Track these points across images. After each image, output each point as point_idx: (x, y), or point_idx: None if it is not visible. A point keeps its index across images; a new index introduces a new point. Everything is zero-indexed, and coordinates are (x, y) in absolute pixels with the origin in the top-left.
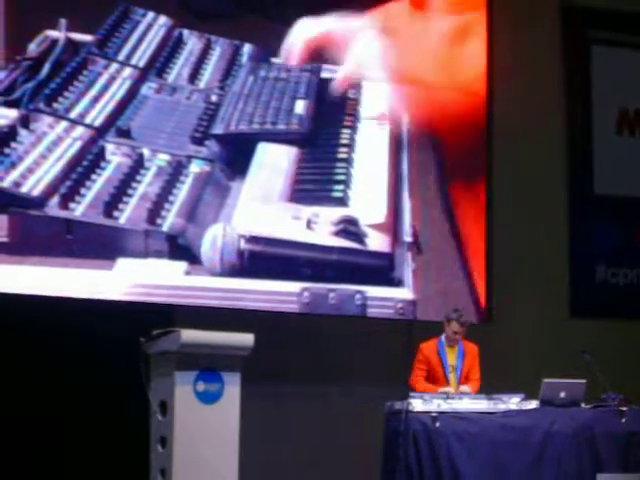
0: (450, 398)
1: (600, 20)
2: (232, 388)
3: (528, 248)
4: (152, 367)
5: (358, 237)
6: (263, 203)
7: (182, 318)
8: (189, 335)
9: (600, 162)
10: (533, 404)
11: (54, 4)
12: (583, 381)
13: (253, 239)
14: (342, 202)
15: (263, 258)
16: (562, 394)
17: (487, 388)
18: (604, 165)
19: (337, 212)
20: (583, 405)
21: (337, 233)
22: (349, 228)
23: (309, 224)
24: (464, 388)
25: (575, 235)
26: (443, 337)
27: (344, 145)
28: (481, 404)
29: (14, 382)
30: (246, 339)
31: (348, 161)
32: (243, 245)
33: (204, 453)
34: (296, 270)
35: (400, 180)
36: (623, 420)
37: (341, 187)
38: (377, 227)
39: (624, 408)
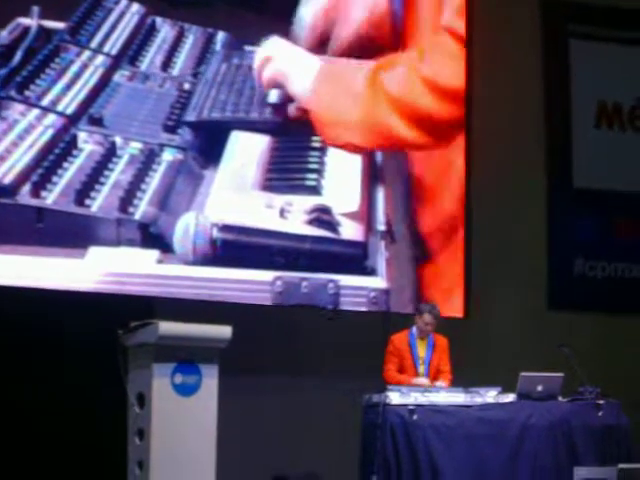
0: (427, 391)
1: (579, 14)
2: (210, 380)
3: (506, 241)
4: (130, 359)
5: (331, 226)
6: (236, 192)
7: (159, 310)
8: (167, 327)
9: (579, 156)
10: (510, 397)
11: None
12: (560, 375)
13: (226, 228)
14: (315, 191)
15: (236, 247)
16: (539, 387)
17: (465, 381)
18: (583, 159)
19: (310, 201)
20: (560, 398)
21: (310, 222)
22: (322, 217)
23: (282, 213)
24: (439, 384)
25: (554, 228)
26: (414, 329)
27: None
28: (458, 397)
29: None
30: (223, 331)
31: (322, 150)
32: (215, 234)
33: (182, 445)
34: (269, 259)
35: (374, 168)
36: (600, 413)
37: (314, 176)
38: (350, 216)
39: (601, 402)
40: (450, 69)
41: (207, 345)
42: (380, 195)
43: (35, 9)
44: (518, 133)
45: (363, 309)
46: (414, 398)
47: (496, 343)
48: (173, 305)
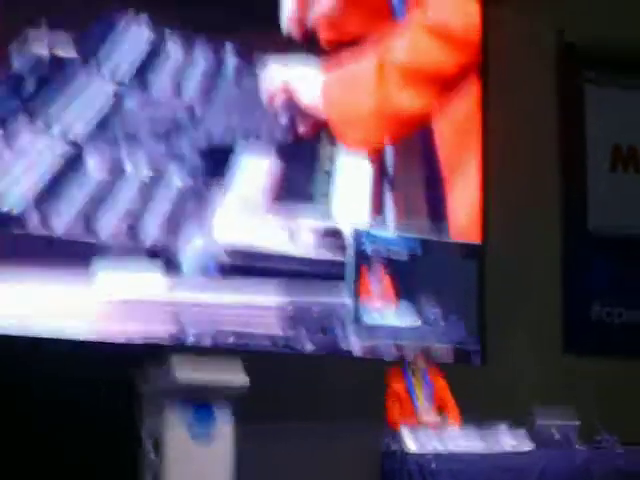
0: (445, 437)
1: (593, 59)
2: (225, 426)
3: (522, 284)
4: (145, 405)
5: (342, 249)
6: (245, 215)
7: (175, 352)
8: (183, 373)
9: (594, 199)
10: (528, 446)
11: (36, 5)
12: (576, 423)
13: (234, 252)
14: (325, 213)
15: (245, 271)
16: (556, 435)
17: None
18: (598, 202)
19: (320, 224)
20: (577, 446)
21: (320, 245)
22: (332, 240)
23: (292, 236)
24: (450, 423)
25: (569, 273)
26: (410, 373)
27: (327, 157)
28: (476, 445)
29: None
30: (240, 379)
31: (330, 173)
32: (224, 258)
33: None
34: (279, 283)
35: (384, 185)
36: (619, 461)
37: (324, 198)
38: None
39: (620, 450)
40: (454, 12)
41: (223, 392)
42: (390, 208)
43: (46, 38)
44: (533, 176)
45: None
46: (433, 447)
47: (512, 388)
48: (189, 349)
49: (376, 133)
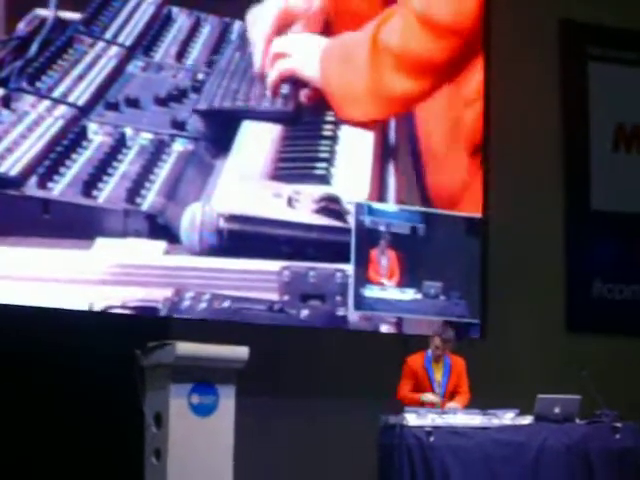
0: (444, 413)
1: (597, 36)
2: (227, 401)
3: (524, 262)
4: (147, 379)
5: (339, 215)
6: (244, 181)
7: (176, 329)
8: (184, 347)
9: (597, 178)
10: (528, 419)
11: None
12: (577, 397)
13: (232, 218)
14: (324, 180)
15: (242, 237)
16: (556, 410)
17: (482, 404)
18: (601, 181)
19: (319, 190)
20: (578, 421)
21: (318, 211)
22: (330, 206)
23: (290, 202)
24: (451, 404)
25: (571, 250)
26: (429, 351)
27: (330, 122)
28: (475, 419)
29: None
30: (241, 352)
31: (333, 138)
32: (222, 224)
33: (198, 466)
34: (276, 249)
35: (386, 149)
36: (617, 436)
37: (324, 165)
38: None
39: (618, 424)
40: (445, 2)
41: (224, 366)
42: (391, 180)
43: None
44: (536, 155)
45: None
46: (431, 420)
47: (513, 365)
48: (190, 324)
49: (372, 110)
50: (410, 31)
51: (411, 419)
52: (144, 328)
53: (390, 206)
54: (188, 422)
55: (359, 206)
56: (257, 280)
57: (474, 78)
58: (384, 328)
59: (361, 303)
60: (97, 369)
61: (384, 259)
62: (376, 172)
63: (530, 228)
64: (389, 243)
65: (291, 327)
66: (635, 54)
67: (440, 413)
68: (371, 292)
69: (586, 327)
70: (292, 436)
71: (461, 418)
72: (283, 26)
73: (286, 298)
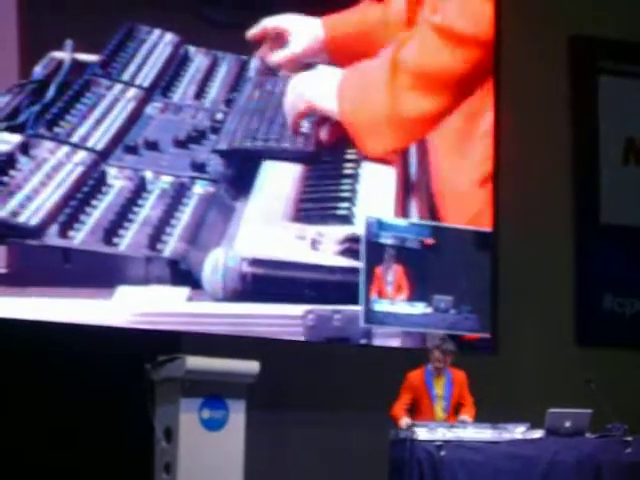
0: (455, 427)
1: (608, 50)
2: (237, 415)
3: (534, 276)
4: (157, 393)
5: None
6: (266, 224)
7: (187, 345)
8: (194, 362)
9: (606, 191)
10: (538, 433)
11: (61, 25)
12: (588, 411)
13: (255, 262)
14: (347, 220)
15: (266, 281)
16: (567, 424)
17: (493, 417)
18: (610, 194)
19: (342, 230)
20: (588, 435)
21: (342, 252)
22: (354, 247)
23: (313, 244)
24: (463, 418)
25: (581, 264)
26: (430, 365)
27: (350, 161)
28: (486, 433)
29: (16, 408)
30: (251, 366)
31: (354, 177)
32: (245, 268)
33: None
34: (300, 292)
35: (408, 193)
36: (628, 450)
37: (346, 204)
38: None
39: (629, 438)
40: (463, 11)
41: (235, 380)
42: (414, 217)
43: (69, 43)
44: (546, 168)
45: (397, 340)
46: (441, 434)
47: (524, 378)
48: (201, 340)
49: (392, 138)
50: (428, 45)
51: (421, 433)
52: (154, 342)
53: (400, 221)
54: (198, 436)
55: (369, 221)
56: (281, 325)
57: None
58: (394, 342)
59: (371, 317)
60: (107, 383)
61: (390, 274)
62: (399, 210)
63: (540, 242)
64: (396, 258)
65: (301, 342)
66: None
67: (450, 427)
68: (381, 306)
69: (596, 341)
70: (302, 451)
71: (471, 432)
72: None
73: (317, 342)
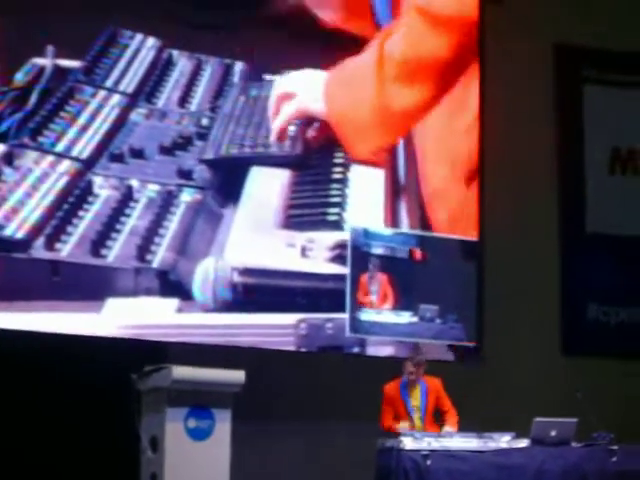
0: (441, 436)
1: (592, 59)
2: (223, 425)
3: (520, 286)
4: (143, 403)
5: None
6: (256, 231)
7: (174, 354)
8: (180, 371)
9: (592, 201)
10: (524, 443)
11: (41, 31)
12: (574, 420)
13: (246, 271)
14: (337, 226)
15: (257, 290)
16: (553, 433)
17: (479, 427)
18: (596, 204)
19: (333, 237)
20: (574, 444)
21: (333, 259)
22: (345, 253)
23: (304, 251)
24: (447, 429)
25: (567, 274)
26: (405, 377)
27: (338, 165)
28: (472, 442)
29: (1, 418)
30: (237, 376)
31: (343, 181)
32: (236, 278)
33: None
34: (292, 301)
35: (397, 195)
36: (614, 459)
37: (336, 210)
38: None
39: (615, 447)
40: None
41: (221, 390)
42: (404, 218)
43: (50, 49)
44: (531, 178)
45: (390, 348)
46: (427, 443)
47: (509, 388)
48: (188, 350)
49: (381, 134)
50: (414, 32)
51: (408, 442)
52: (141, 351)
53: (386, 230)
54: (184, 446)
55: (355, 230)
56: (273, 335)
57: (473, 103)
58: (387, 350)
59: (357, 327)
60: (93, 392)
61: (374, 284)
62: (388, 213)
63: (526, 251)
64: (380, 267)
65: (287, 351)
66: (631, 77)
67: (436, 436)
68: (367, 316)
69: (582, 350)
70: (288, 460)
71: (457, 441)
72: None
73: (303, 351)
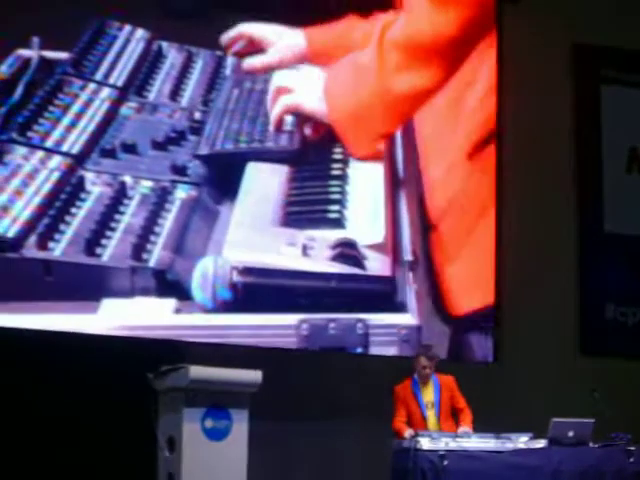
0: (458, 436)
1: (610, 59)
2: (240, 425)
3: (538, 286)
4: (160, 403)
5: (357, 261)
6: (255, 229)
7: (189, 354)
8: (198, 371)
9: (610, 201)
10: (541, 443)
11: (26, 22)
12: (591, 420)
13: (246, 270)
14: (338, 223)
15: (257, 290)
16: (570, 433)
17: (496, 427)
18: (614, 204)
19: (334, 235)
20: (591, 444)
21: (335, 258)
22: (347, 252)
23: (305, 250)
24: (463, 429)
25: (584, 274)
26: (416, 375)
27: (337, 161)
28: (489, 443)
29: (17, 417)
30: (254, 376)
31: (342, 177)
32: (236, 277)
33: None
34: (293, 300)
35: (397, 189)
36: (631, 459)
37: (336, 207)
38: (376, 248)
39: (633, 447)
40: None
41: (238, 390)
42: (404, 212)
43: (35, 40)
44: (549, 178)
45: (394, 348)
46: (445, 443)
47: (527, 388)
48: (203, 350)
49: (381, 122)
50: (416, 11)
51: (424, 443)
52: (158, 351)
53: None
54: (201, 446)
55: None
56: (275, 335)
57: (482, 79)
58: (391, 350)
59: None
60: (111, 392)
61: None
62: (389, 209)
63: (543, 251)
64: None
65: (304, 351)
66: None
67: (453, 436)
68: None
69: (599, 350)
70: (305, 460)
71: (475, 442)
72: None
73: (317, 351)
